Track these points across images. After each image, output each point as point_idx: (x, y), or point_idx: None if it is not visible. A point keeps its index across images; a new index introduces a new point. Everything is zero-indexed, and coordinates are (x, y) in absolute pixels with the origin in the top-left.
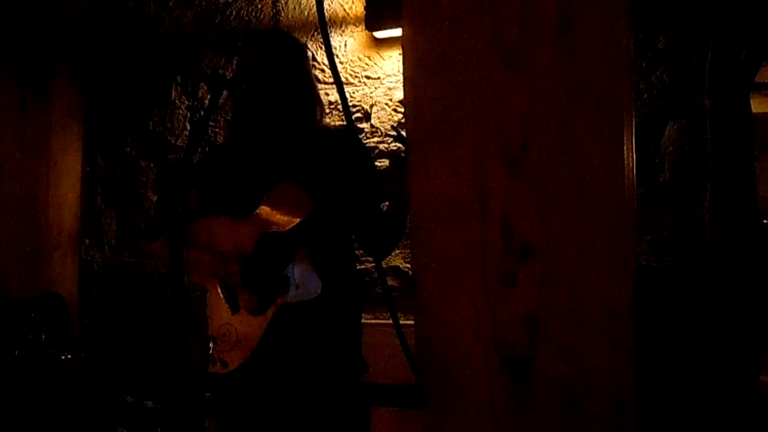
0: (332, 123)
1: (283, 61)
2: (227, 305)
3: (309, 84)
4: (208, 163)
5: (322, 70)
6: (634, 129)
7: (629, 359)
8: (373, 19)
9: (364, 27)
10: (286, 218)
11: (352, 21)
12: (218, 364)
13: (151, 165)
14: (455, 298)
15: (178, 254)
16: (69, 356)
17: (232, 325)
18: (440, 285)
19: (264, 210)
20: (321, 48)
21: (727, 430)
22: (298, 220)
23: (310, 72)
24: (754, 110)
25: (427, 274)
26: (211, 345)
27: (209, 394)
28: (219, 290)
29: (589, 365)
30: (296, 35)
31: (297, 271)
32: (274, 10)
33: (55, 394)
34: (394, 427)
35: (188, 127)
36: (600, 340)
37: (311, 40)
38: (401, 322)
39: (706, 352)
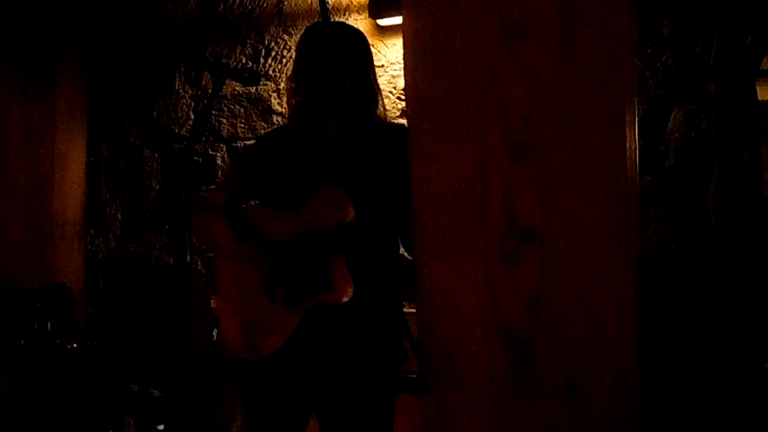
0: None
1: (345, 53)
2: (266, 294)
3: (369, 75)
4: (264, 147)
5: None
6: (636, 112)
7: (632, 343)
8: (377, 6)
9: (367, 15)
10: (328, 218)
11: (356, 9)
12: (251, 350)
13: (156, 154)
14: (457, 282)
15: (181, 241)
16: (74, 345)
17: (268, 314)
18: (442, 269)
19: (309, 207)
20: None
21: (732, 417)
22: (339, 221)
23: (372, 64)
24: (760, 98)
25: (429, 259)
26: (214, 333)
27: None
28: (260, 278)
29: (591, 348)
30: (299, 23)
31: (333, 275)
32: None
33: (61, 383)
34: (396, 412)
35: (192, 117)
36: (602, 323)
37: None
38: (405, 309)
39: (710, 339)
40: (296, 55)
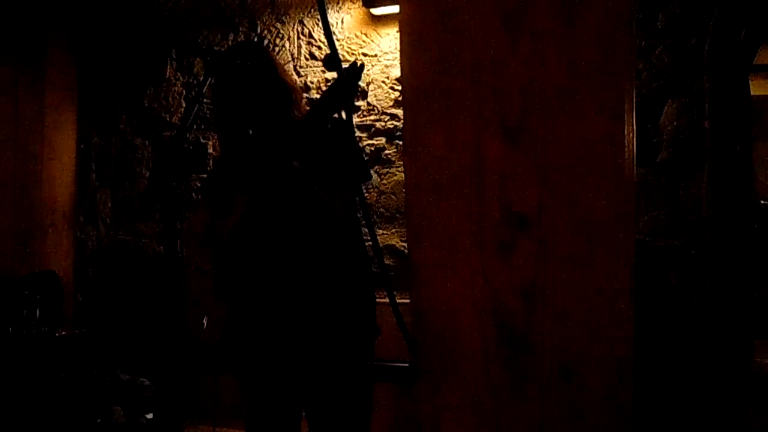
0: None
1: (256, 70)
2: None
3: (281, 83)
4: (216, 173)
5: (319, 47)
6: (634, 100)
7: (627, 333)
8: None
9: (361, 4)
10: None
11: None
12: None
13: (146, 142)
14: (451, 270)
15: (172, 229)
16: (63, 333)
17: None
18: (436, 257)
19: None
20: (318, 25)
21: (722, 407)
22: None
23: (278, 75)
24: (752, 92)
25: (423, 247)
26: (204, 321)
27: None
28: None
29: (586, 338)
30: (292, 12)
31: None
32: None
33: (50, 371)
34: (390, 402)
35: (183, 104)
36: (598, 312)
37: (308, 16)
38: (398, 300)
39: (701, 331)
40: (213, 83)
